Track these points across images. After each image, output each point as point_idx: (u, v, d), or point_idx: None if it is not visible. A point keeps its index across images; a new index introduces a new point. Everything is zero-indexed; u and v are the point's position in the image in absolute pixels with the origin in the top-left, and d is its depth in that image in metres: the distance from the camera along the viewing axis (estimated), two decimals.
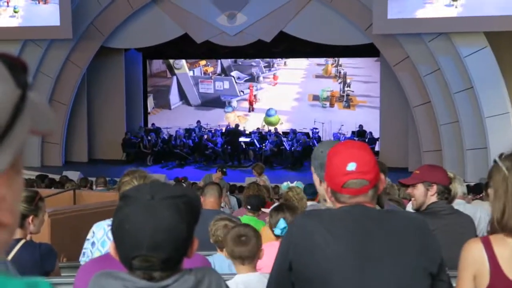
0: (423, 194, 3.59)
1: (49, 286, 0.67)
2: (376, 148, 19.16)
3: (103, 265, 1.69)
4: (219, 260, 3.65)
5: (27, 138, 0.71)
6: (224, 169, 10.76)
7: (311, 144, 19.14)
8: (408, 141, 18.52)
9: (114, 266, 1.50)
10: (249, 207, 5.71)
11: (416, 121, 17.59)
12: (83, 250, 3.59)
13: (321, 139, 19.71)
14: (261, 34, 18.84)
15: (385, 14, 16.36)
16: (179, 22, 19.25)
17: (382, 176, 2.09)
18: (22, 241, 3.54)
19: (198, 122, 21.61)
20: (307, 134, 20.23)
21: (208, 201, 5.04)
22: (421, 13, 16.16)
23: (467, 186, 11.30)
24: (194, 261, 2.12)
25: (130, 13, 19.19)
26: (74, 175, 14.89)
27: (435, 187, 3.55)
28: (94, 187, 10.49)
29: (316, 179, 2.51)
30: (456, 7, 15.84)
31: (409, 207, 4.01)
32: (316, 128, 20.59)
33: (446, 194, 3.59)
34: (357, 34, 17.82)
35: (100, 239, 3.45)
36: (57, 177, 12.96)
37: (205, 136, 20.17)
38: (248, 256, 3.08)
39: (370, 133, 20.04)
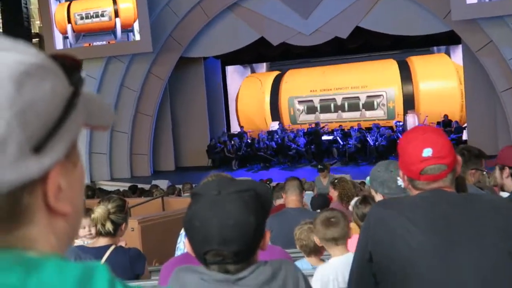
0: (499, 177, 3.47)
1: (105, 270, 0.70)
2: (464, 137, 18.61)
3: (184, 262, 1.73)
4: (305, 267, 3.64)
5: (80, 131, 0.76)
6: (320, 166, 10.56)
7: (396, 137, 18.83)
8: (497, 128, 17.88)
9: (193, 263, 1.54)
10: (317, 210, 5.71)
11: (504, 106, 16.98)
12: (176, 253, 3.72)
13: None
14: (337, 31, 18.69)
15: None
16: (254, 26, 19.41)
17: (459, 157, 2.05)
18: (113, 247, 3.69)
19: (280, 124, 21.68)
20: (391, 127, 19.91)
21: (290, 199, 4.99)
22: None
23: None
24: (272, 253, 2.15)
25: (206, 22, 19.50)
26: (162, 183, 15.24)
27: (507, 170, 3.41)
28: (182, 193, 10.71)
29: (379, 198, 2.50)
30: None
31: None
32: (400, 121, 20.22)
33: None
34: (436, 22, 17.39)
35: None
36: (146, 187, 13.31)
37: (287, 138, 20.21)
38: (340, 236, 3.12)
39: (456, 122, 19.52)
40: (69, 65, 0.76)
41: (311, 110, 23.83)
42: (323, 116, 23.32)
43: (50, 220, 0.74)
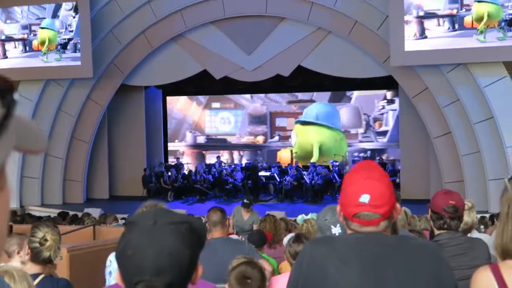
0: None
1: None
2: (398, 180, 19.02)
3: None
4: None
5: (10, 154, 0.73)
6: (245, 200, 9.68)
7: (331, 177, 19.09)
8: (430, 173, 18.37)
9: None
10: (253, 245, 5.66)
11: (437, 153, 17.48)
12: (106, 278, 3.64)
13: (342, 172, 19.65)
14: (279, 68, 18.97)
15: (402, 46, 16.41)
16: (198, 59, 19.48)
17: (398, 205, 2.06)
18: (42, 276, 3.58)
19: (218, 157, 21.69)
20: (327, 167, 20.18)
21: (214, 231, 4.88)
22: (438, 45, 16.19)
23: (491, 216, 11.17)
24: None
25: (150, 51, 19.46)
26: (95, 212, 14.93)
27: (428, 212, 3.50)
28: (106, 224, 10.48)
29: None
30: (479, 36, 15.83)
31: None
32: (336, 161, 20.54)
33: (440, 221, 3.44)
34: (375, 67, 17.87)
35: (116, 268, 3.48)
36: (79, 214, 13.01)
37: (225, 171, 20.20)
38: None
39: (391, 164, 19.94)
40: (2, 87, 0.73)
41: None
42: None
43: None
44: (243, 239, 6.12)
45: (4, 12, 19.41)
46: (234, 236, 6.59)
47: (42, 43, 19.15)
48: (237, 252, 4.64)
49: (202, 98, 23.51)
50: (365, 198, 1.97)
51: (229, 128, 23.45)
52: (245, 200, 9.57)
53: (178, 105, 23.60)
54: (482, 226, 8.92)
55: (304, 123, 21.98)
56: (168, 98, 23.14)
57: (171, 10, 18.84)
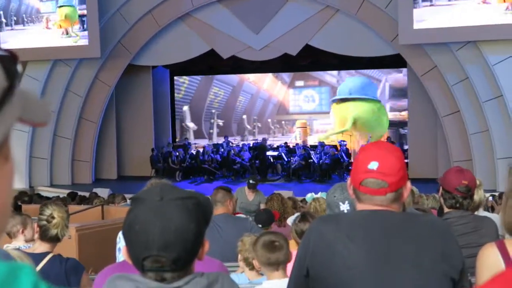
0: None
1: (31, 271, 0.67)
2: (406, 160, 18.98)
3: (119, 270, 1.70)
4: (242, 281, 3.59)
5: (14, 125, 0.73)
6: (251, 181, 9.30)
7: (339, 156, 19.07)
8: (438, 152, 18.33)
9: (130, 271, 1.50)
10: (260, 225, 5.67)
11: (445, 131, 17.42)
12: (117, 256, 3.66)
13: (349, 151, 19.63)
14: (287, 47, 18.88)
15: (411, 24, 16.29)
16: (205, 38, 19.41)
17: (409, 184, 2.04)
18: (50, 255, 3.59)
19: (226, 137, 21.69)
20: (335, 146, 20.15)
21: (217, 209, 4.93)
22: (447, 22, 16.06)
23: (500, 194, 11.14)
24: (210, 266, 2.12)
25: (157, 31, 19.39)
26: (103, 192, 14.99)
27: (440, 190, 3.49)
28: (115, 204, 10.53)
29: None
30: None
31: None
32: (344, 140, 20.50)
33: (452, 201, 3.44)
34: (384, 45, 17.76)
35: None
36: (87, 194, 13.07)
37: (232, 151, 20.21)
38: (283, 260, 3.11)
39: (399, 144, 19.90)
40: (6, 59, 0.73)
41: None
42: None
43: None
44: (250, 219, 6.14)
45: None
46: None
47: (62, 21, 19.04)
48: (239, 228, 4.67)
49: (287, 77, 23.05)
50: (373, 165, 1.96)
51: (313, 106, 23.08)
52: (250, 181, 9.20)
53: (264, 85, 23.33)
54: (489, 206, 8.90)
55: (339, 101, 20.97)
56: (255, 78, 22.97)
57: None
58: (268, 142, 21.54)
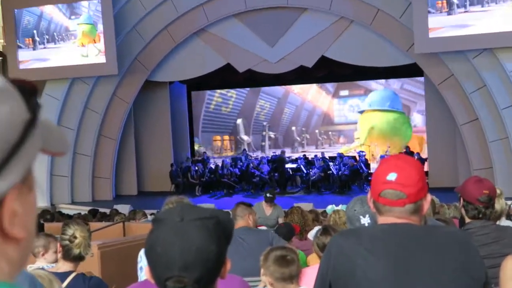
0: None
1: None
2: (425, 169, 18.86)
3: None
4: None
5: (37, 156, 0.76)
6: (268, 194, 9.04)
7: (358, 167, 19.00)
8: (458, 160, 18.21)
9: None
10: (275, 233, 5.68)
11: (464, 139, 17.31)
12: (139, 275, 3.68)
13: (368, 162, 19.56)
14: (303, 59, 18.91)
15: (426, 33, 16.26)
16: (221, 52, 19.51)
17: (430, 196, 2.04)
18: (74, 274, 3.62)
19: (244, 150, 21.72)
20: (353, 157, 20.09)
21: (237, 224, 4.98)
22: (463, 30, 16.00)
23: None
24: (232, 283, 2.13)
25: (173, 47, 19.55)
26: (124, 208, 15.07)
27: (461, 201, 3.45)
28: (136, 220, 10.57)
29: None
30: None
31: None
32: (362, 151, 20.44)
33: (474, 211, 3.43)
34: (399, 55, 17.73)
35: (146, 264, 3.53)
36: (108, 211, 13.15)
37: (251, 165, 20.22)
38: (296, 274, 3.11)
39: (418, 153, 19.77)
40: (27, 91, 0.75)
41: None
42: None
43: (2, 245, 0.73)
44: (271, 230, 6.13)
45: (68, 8, 19.42)
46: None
47: (82, 39, 19.38)
48: (261, 239, 4.70)
49: (331, 87, 22.70)
50: (392, 176, 1.97)
51: (359, 116, 22.59)
52: (267, 194, 8.97)
53: (309, 96, 23.11)
54: None
55: (361, 112, 21.94)
56: (299, 89, 22.90)
57: (193, 4, 18.88)
58: (288, 154, 21.52)
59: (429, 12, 16.22)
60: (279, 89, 23.26)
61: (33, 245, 0.79)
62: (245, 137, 23.63)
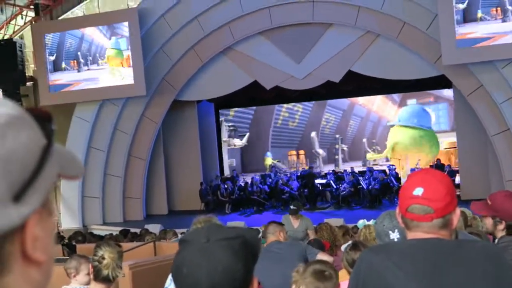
0: (491, 226, 3.44)
1: None
2: (457, 181, 18.64)
3: None
4: None
5: (55, 180, 0.77)
6: (292, 206, 8.74)
7: (388, 181, 18.85)
8: (489, 171, 17.96)
9: None
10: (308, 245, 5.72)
11: (496, 150, 17.08)
12: None
13: (398, 176, 19.39)
14: (330, 74, 18.90)
15: (453, 44, 16.14)
16: (247, 70, 19.60)
17: (458, 209, 2.01)
18: None
19: (273, 167, 21.71)
20: (383, 171, 19.95)
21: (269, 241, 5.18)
22: (490, 40, 15.86)
23: None
24: None
25: (200, 66, 19.69)
26: (155, 228, 15.12)
27: (503, 224, 3.38)
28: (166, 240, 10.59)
29: None
30: None
31: None
32: (392, 165, 20.28)
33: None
34: (427, 67, 17.61)
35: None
36: (138, 231, 13.21)
37: (281, 181, 20.20)
38: None
39: (449, 166, 19.58)
40: (42, 118, 0.78)
41: None
42: None
43: (24, 269, 0.74)
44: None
45: (109, 29, 19.74)
46: None
47: (109, 63, 19.74)
48: (295, 250, 4.78)
49: (397, 97, 22.22)
50: (418, 191, 1.96)
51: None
52: (291, 206, 8.67)
53: (374, 107, 22.86)
54: None
55: (390, 127, 21.96)
56: (364, 101, 22.60)
57: (219, 24, 19.03)
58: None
59: (483, 19, 16.00)
60: (344, 101, 23.03)
61: (53, 268, 0.81)
62: (320, 151, 23.42)
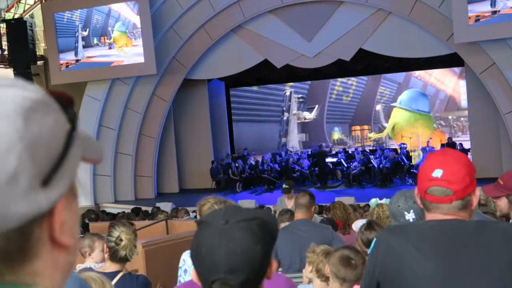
0: (506, 207, 3.37)
1: None
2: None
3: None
4: None
5: (79, 164, 0.77)
6: (284, 185, 8.47)
7: (399, 159, 18.81)
8: (502, 150, 17.87)
9: None
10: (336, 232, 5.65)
11: (508, 128, 16.97)
12: (179, 278, 3.70)
13: (409, 154, 19.35)
14: (340, 53, 18.78)
15: (465, 22, 15.98)
16: (258, 49, 19.52)
17: (477, 191, 2.00)
18: (121, 273, 3.68)
19: (284, 145, 21.69)
20: (395, 149, 19.90)
21: (296, 215, 5.06)
22: (503, 17, 15.68)
23: None
24: (277, 282, 2.13)
25: (210, 45, 19.62)
26: (166, 206, 15.22)
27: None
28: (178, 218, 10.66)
29: None
30: None
31: None
32: (404, 143, 20.23)
33: None
34: (439, 45, 17.46)
35: (191, 266, 3.55)
36: (150, 209, 13.29)
37: (291, 160, 20.19)
38: (353, 279, 3.07)
39: (461, 144, 19.49)
40: (65, 102, 0.77)
41: None
42: None
43: (52, 254, 0.74)
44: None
45: (136, 3, 19.47)
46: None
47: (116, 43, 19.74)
48: (321, 236, 4.67)
49: (457, 68, 21.14)
50: (438, 172, 1.94)
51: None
52: (284, 185, 8.45)
53: (431, 78, 22.14)
54: None
55: (391, 107, 22.92)
56: (421, 72, 22.03)
57: (229, 2, 18.94)
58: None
59: None
60: (400, 74, 22.49)
61: (77, 252, 0.82)
62: (386, 125, 23.20)
